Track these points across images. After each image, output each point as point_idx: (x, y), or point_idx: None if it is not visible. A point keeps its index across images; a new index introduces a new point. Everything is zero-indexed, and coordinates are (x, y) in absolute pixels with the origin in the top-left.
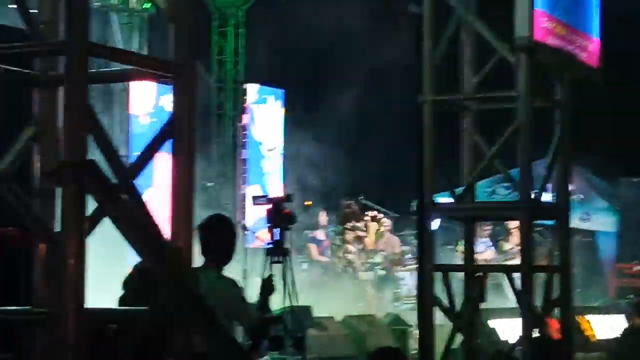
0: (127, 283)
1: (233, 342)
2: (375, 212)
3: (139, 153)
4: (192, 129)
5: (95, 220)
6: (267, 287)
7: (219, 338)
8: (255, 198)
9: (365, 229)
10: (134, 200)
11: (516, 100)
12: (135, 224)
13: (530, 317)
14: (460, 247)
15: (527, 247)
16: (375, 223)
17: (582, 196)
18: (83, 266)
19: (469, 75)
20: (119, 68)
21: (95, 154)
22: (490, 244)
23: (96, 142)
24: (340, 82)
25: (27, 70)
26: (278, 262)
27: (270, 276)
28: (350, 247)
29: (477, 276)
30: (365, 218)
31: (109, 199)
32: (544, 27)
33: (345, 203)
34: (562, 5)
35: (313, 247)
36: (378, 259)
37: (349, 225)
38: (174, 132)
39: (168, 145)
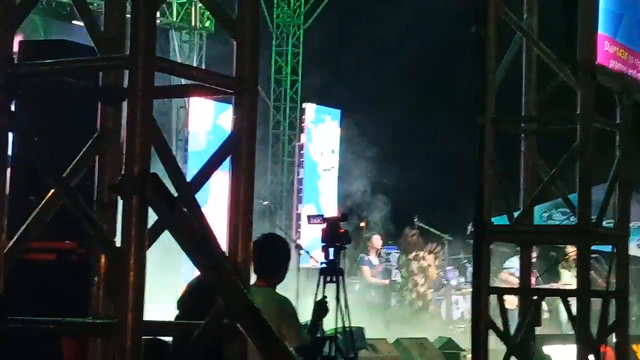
0: (182, 301)
1: (290, 357)
2: (433, 245)
3: (199, 169)
4: (252, 147)
5: (156, 232)
6: (321, 309)
7: (276, 353)
8: (310, 217)
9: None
10: (194, 214)
11: (577, 122)
12: (195, 238)
13: (586, 343)
14: (504, 273)
15: (584, 271)
16: (432, 255)
17: (639, 223)
18: (143, 278)
19: (530, 97)
20: (181, 83)
21: (157, 168)
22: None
23: (159, 155)
24: (398, 101)
25: (92, 84)
26: (332, 281)
27: (324, 298)
28: (418, 279)
29: (532, 300)
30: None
31: (170, 212)
32: (606, 51)
33: (409, 232)
34: (625, 29)
35: (366, 270)
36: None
37: (411, 255)
38: (234, 148)
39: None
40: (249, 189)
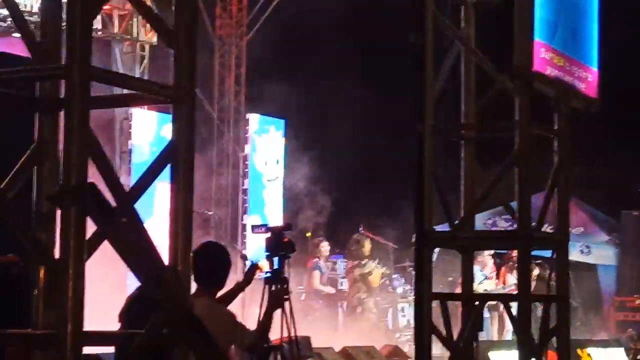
0: (123, 313)
1: None
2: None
3: (137, 178)
4: (191, 155)
5: (94, 243)
6: (275, 300)
7: None
8: (254, 227)
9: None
10: (133, 224)
11: (515, 129)
12: (134, 247)
13: (527, 346)
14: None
15: (524, 276)
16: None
17: (582, 229)
18: (82, 289)
19: (469, 105)
20: (119, 93)
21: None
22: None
23: (96, 165)
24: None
25: (29, 95)
26: None
27: (280, 290)
28: (360, 286)
29: (475, 305)
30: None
31: (108, 222)
32: (542, 58)
33: (354, 239)
34: (561, 36)
35: (316, 275)
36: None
37: (354, 263)
38: (174, 157)
39: (167, 174)
40: (189, 197)
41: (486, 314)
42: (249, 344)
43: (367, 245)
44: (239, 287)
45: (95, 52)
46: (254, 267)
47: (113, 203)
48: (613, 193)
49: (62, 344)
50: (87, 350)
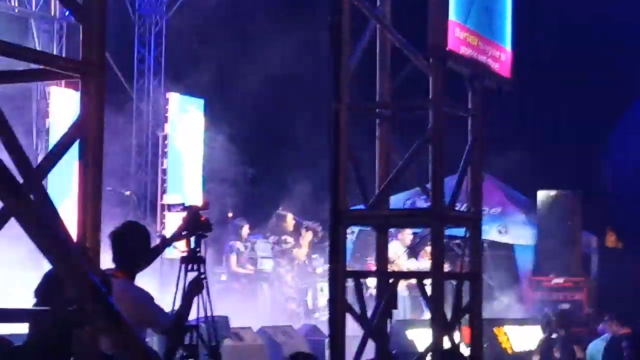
0: (37, 290)
1: (141, 344)
2: (309, 223)
3: (45, 154)
4: (100, 131)
5: (1, 220)
6: (197, 284)
7: (126, 339)
8: (171, 206)
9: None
10: (40, 200)
11: (429, 108)
12: (41, 224)
13: (440, 324)
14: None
15: (437, 254)
16: (310, 232)
17: (499, 209)
18: None
19: (384, 84)
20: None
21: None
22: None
23: (1, 140)
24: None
25: None
26: (193, 270)
27: (201, 274)
28: (282, 263)
29: (389, 283)
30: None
31: (14, 198)
32: (456, 37)
33: (277, 214)
34: (475, 16)
35: (233, 258)
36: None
37: (274, 238)
38: (82, 132)
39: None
40: (98, 173)
41: (406, 293)
42: (165, 327)
43: (290, 221)
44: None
45: (12, 30)
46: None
47: (20, 179)
48: (530, 173)
49: None
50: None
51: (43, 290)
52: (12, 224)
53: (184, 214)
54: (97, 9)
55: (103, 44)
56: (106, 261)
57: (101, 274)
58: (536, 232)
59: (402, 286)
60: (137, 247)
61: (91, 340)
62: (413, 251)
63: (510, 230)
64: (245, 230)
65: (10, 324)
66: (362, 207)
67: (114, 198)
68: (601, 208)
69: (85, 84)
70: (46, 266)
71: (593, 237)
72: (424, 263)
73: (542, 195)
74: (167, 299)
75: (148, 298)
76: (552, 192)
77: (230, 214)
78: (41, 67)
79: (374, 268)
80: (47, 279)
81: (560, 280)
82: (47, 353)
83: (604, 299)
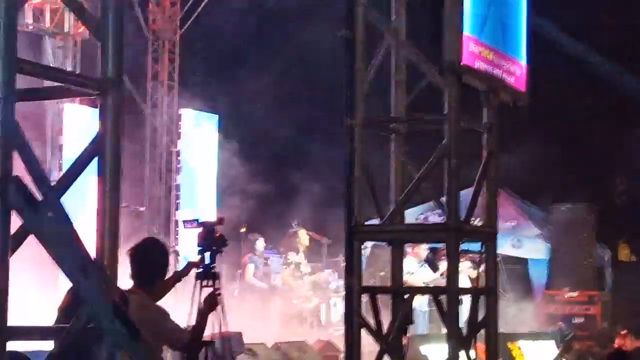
0: (63, 308)
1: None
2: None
3: (64, 171)
4: (119, 147)
5: (20, 237)
6: (211, 301)
7: (145, 356)
8: (185, 222)
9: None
10: (58, 218)
11: (444, 123)
12: (60, 241)
13: (456, 339)
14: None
15: (452, 269)
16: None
17: (514, 223)
18: (6, 283)
19: (398, 98)
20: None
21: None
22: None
23: (22, 158)
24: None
25: None
26: (208, 286)
27: (215, 291)
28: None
29: (404, 298)
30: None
31: (32, 216)
32: (471, 51)
33: (291, 232)
34: (489, 30)
35: (251, 267)
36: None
37: (290, 255)
38: (101, 150)
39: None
40: (116, 190)
41: (426, 308)
42: (181, 344)
43: (304, 237)
44: (168, 283)
45: (26, 46)
46: (189, 265)
47: (39, 197)
48: (545, 187)
49: None
50: (17, 347)
51: (67, 307)
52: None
53: (199, 229)
54: (114, 26)
55: (121, 61)
56: (123, 277)
57: (119, 290)
58: (550, 246)
59: (422, 301)
60: (156, 264)
61: (110, 357)
62: (433, 265)
63: (524, 244)
64: (261, 243)
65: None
66: (376, 221)
67: (128, 214)
68: (615, 222)
69: (104, 101)
70: (62, 287)
71: (607, 250)
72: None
73: (555, 209)
74: (181, 315)
75: (165, 315)
76: (566, 206)
77: (243, 229)
78: (61, 85)
79: None
80: (71, 296)
81: (574, 294)
82: None
83: (618, 313)
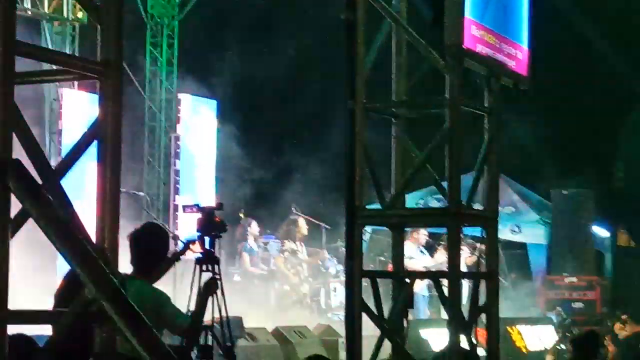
0: (59, 294)
1: (162, 345)
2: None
3: (65, 155)
4: (118, 131)
5: (19, 221)
6: (211, 287)
7: (147, 340)
8: (185, 207)
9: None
10: (59, 201)
11: (445, 107)
12: (60, 225)
13: (457, 323)
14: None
15: (454, 253)
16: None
17: (513, 208)
18: (6, 267)
19: (400, 82)
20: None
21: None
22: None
23: (21, 142)
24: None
25: None
26: (208, 271)
27: (215, 276)
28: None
29: (405, 282)
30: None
31: (33, 199)
32: (473, 35)
33: (290, 219)
34: (491, 13)
35: (246, 257)
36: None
37: (287, 243)
38: (100, 134)
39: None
40: (116, 174)
41: (427, 293)
42: (182, 328)
43: (303, 226)
44: (167, 263)
45: (25, 31)
46: (186, 246)
47: (39, 180)
48: (544, 172)
49: None
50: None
51: (63, 293)
52: (28, 227)
53: (198, 214)
54: (114, 10)
55: (121, 45)
56: (123, 262)
57: (119, 275)
58: (549, 231)
59: (423, 285)
60: (156, 249)
61: (109, 341)
62: (431, 251)
63: (524, 229)
64: (254, 227)
65: (34, 325)
66: (376, 206)
67: (127, 199)
68: (614, 207)
69: (104, 85)
70: (60, 271)
71: (606, 236)
72: (441, 259)
73: (555, 194)
74: (181, 299)
75: (165, 299)
76: (565, 191)
77: (242, 214)
78: (59, 67)
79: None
80: (67, 281)
81: (573, 279)
82: (66, 355)
83: (617, 297)
